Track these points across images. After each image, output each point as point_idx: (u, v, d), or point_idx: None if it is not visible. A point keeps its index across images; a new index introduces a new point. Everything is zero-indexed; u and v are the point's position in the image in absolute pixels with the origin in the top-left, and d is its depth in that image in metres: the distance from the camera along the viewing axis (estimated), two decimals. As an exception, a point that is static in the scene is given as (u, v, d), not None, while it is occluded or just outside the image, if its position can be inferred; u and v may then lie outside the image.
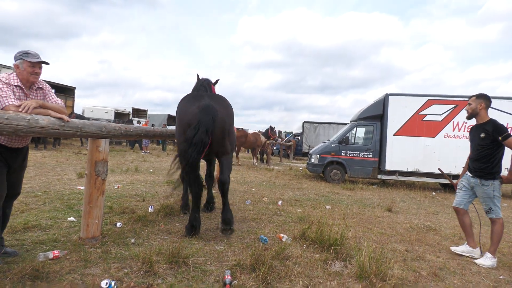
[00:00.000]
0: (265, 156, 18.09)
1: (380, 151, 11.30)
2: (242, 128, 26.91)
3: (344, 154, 11.57)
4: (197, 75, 5.54)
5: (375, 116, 11.53)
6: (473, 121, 4.35)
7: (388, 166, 11.09)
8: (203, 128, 3.80)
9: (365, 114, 11.77)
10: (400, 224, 5.74)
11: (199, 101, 4.05)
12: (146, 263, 3.11)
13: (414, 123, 11.05)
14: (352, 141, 11.71)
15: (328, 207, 6.78)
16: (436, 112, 10.92)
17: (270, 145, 16.83)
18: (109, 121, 20.75)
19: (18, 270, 2.79)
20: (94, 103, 37.02)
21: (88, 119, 18.63)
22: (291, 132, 31.91)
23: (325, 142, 12.63)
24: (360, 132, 11.97)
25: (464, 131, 10.76)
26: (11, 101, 2.78)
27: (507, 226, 6.05)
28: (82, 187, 6.95)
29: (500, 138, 3.87)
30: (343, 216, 5.92)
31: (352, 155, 11.53)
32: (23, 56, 2.95)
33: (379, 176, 11.39)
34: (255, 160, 16.17)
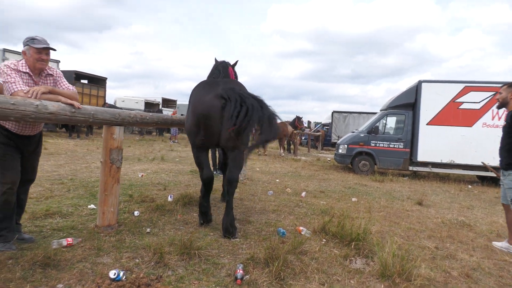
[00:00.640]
0: (292, 146, 17.81)
1: (412, 142, 10.75)
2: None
3: (373, 145, 11.12)
4: (215, 59, 5.36)
5: (407, 104, 10.96)
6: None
7: (421, 157, 10.54)
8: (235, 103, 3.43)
9: (396, 102, 11.23)
10: (431, 219, 5.38)
11: (215, 88, 3.70)
12: (157, 254, 3.03)
13: (449, 112, 10.40)
14: (382, 131, 11.22)
15: (354, 199, 6.49)
16: (473, 100, 10.22)
17: (297, 135, 16.53)
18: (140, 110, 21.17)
19: (30, 257, 2.78)
20: (127, 94, 37.94)
21: (120, 109, 19.08)
22: (320, 122, 31.29)
23: (353, 132, 12.20)
24: (391, 121, 11.45)
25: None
26: (20, 87, 2.75)
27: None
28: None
29: None
30: (369, 209, 5.63)
31: (382, 145, 11.06)
32: (29, 42, 2.90)
33: (410, 168, 10.87)
34: (281, 150, 15.95)
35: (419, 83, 10.66)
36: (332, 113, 24.01)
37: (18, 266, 2.73)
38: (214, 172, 8.47)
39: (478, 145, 10.06)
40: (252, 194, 6.25)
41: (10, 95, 2.74)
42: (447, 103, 10.43)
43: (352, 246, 3.49)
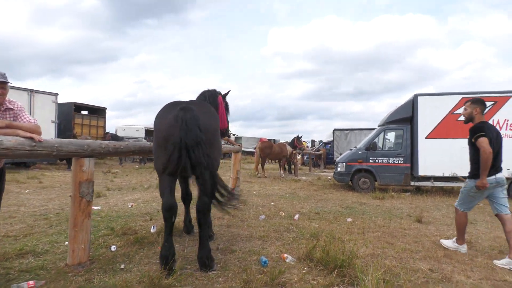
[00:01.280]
0: (292, 166, 17.58)
1: (412, 156, 10.49)
2: (268, 139, 26.55)
3: (372, 161, 10.87)
4: (207, 88, 5.26)
5: (404, 119, 10.78)
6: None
7: (422, 172, 10.25)
8: (184, 142, 3.19)
9: (393, 117, 11.06)
10: (429, 237, 5.09)
11: (176, 108, 3.40)
12: (123, 294, 2.82)
13: (448, 124, 10.18)
14: (381, 146, 11.00)
15: (349, 219, 6.22)
16: (472, 111, 9.99)
17: (297, 155, 16.33)
18: (139, 139, 21.19)
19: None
20: (132, 122, 38.32)
21: (121, 138, 19.13)
22: (322, 141, 31.07)
23: (351, 149, 11.99)
24: (389, 136, 11.24)
25: (506, 129, 9.78)
26: None
27: None
28: (95, 207, 6.88)
29: (473, 140, 4.10)
30: (363, 230, 5.36)
31: (381, 161, 10.81)
32: None
33: (412, 183, 10.56)
34: (281, 171, 15.72)
35: (415, 97, 10.51)
36: (333, 130, 23.86)
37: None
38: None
39: (480, 156, 9.76)
40: (242, 219, 6.01)
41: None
42: (445, 116, 10.23)
43: (335, 274, 3.23)
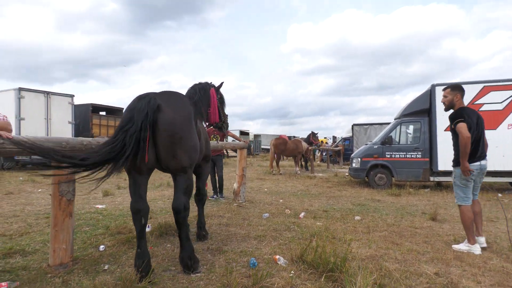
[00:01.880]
0: (309, 163, 17.19)
1: (431, 150, 9.94)
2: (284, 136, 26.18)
3: (388, 156, 10.39)
4: (200, 82, 5.09)
5: (422, 111, 10.22)
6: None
7: (441, 166, 9.68)
8: (138, 121, 2.85)
9: (410, 109, 10.52)
10: (441, 237, 4.70)
11: (141, 101, 3.06)
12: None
13: (469, 115, 9.55)
14: (397, 140, 10.49)
15: (357, 218, 5.88)
16: (495, 100, 9.36)
17: (312, 152, 15.94)
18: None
19: None
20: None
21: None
22: (341, 137, 30.40)
23: (367, 144, 11.53)
24: (406, 130, 10.70)
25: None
26: None
27: None
28: (101, 206, 6.85)
29: (452, 126, 4.10)
30: (369, 229, 5.02)
31: (398, 156, 10.30)
32: None
33: (431, 178, 10.00)
34: (297, 168, 15.38)
35: (433, 87, 9.94)
36: (352, 126, 23.21)
37: None
38: (214, 196, 8.11)
39: (506, 149, 9.13)
40: (244, 218, 5.79)
41: None
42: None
43: (322, 278, 2.95)
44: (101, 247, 4.06)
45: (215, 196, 8.16)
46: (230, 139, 18.68)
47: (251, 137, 41.91)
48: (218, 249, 4.03)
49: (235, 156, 32.40)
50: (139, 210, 3.10)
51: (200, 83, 5.01)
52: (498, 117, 9.32)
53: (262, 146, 42.82)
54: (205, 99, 4.93)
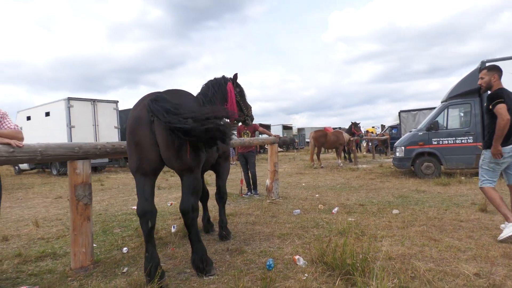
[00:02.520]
0: (352, 155, 16.53)
1: (484, 133, 9.03)
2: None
3: (435, 143, 9.62)
4: (214, 78, 5.01)
5: (471, 91, 9.32)
6: None
7: (497, 151, 8.76)
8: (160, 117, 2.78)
9: (458, 90, 9.65)
10: (489, 230, 4.19)
11: (144, 100, 3.07)
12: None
13: (528, 92, 8.54)
14: (445, 125, 9.67)
15: (395, 211, 5.45)
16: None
17: (354, 143, 15.29)
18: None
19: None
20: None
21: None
22: (386, 126, 28.96)
23: (410, 132, 10.78)
24: (454, 113, 9.84)
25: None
26: None
27: None
28: (135, 207, 7.02)
29: (490, 107, 3.91)
30: (406, 224, 4.61)
31: (447, 142, 9.50)
32: None
33: (486, 165, 9.09)
34: (339, 161, 14.85)
35: (482, 64, 9.01)
36: (399, 113, 21.99)
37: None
38: (249, 193, 8.01)
39: None
40: (273, 215, 5.61)
41: None
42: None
43: (337, 281, 2.69)
44: (124, 249, 4.10)
45: (249, 193, 8.05)
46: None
47: (294, 131, 41.47)
48: (237, 249, 3.89)
49: (280, 151, 32.13)
50: (145, 213, 3.05)
51: (214, 79, 4.90)
52: None
53: (307, 140, 42.20)
54: (221, 94, 4.80)
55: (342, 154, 18.03)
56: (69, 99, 14.73)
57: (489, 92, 4.12)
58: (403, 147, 10.13)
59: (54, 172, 15.33)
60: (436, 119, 9.67)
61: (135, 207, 6.89)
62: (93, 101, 15.43)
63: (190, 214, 3.13)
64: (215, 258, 3.67)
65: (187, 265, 3.51)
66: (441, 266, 3.13)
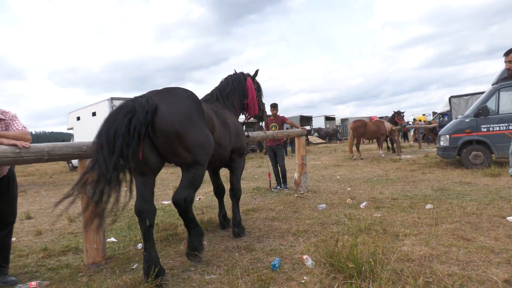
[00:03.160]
0: (395, 145, 15.67)
1: (542, 118, 8.07)
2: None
3: (485, 130, 8.76)
4: (234, 70, 4.92)
5: (526, 71, 8.32)
6: None
7: (558, 137, 7.78)
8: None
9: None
10: (535, 229, 3.67)
11: (134, 101, 2.88)
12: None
13: None
14: (495, 110, 8.77)
15: (428, 206, 5.00)
16: None
17: (396, 132, 14.44)
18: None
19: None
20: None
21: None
22: (436, 113, 27.10)
23: (456, 118, 9.93)
24: (506, 96, 8.87)
25: None
26: None
27: None
28: (167, 202, 7.15)
29: None
30: (436, 221, 4.19)
31: (498, 129, 8.61)
32: None
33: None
34: (381, 151, 14.14)
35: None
36: (450, 98, 20.44)
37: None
38: (278, 187, 7.84)
39: None
40: (296, 210, 5.40)
41: None
42: None
43: (336, 285, 2.45)
44: (139, 245, 4.15)
45: (278, 187, 7.88)
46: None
47: (337, 121, 40.38)
48: (247, 247, 3.76)
49: (322, 143, 31.43)
50: (142, 212, 3.02)
51: (234, 74, 4.81)
52: None
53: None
54: (240, 90, 4.70)
55: (385, 145, 17.19)
56: (112, 99, 15.41)
57: None
58: (447, 136, 9.36)
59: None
60: (486, 104, 8.80)
61: (166, 202, 7.06)
62: (133, 100, 16.01)
63: (182, 206, 3.12)
64: (223, 255, 3.58)
65: (194, 264, 3.45)
66: (466, 270, 2.77)
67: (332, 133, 34.01)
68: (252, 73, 4.92)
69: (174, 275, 3.18)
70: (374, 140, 18.48)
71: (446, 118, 22.35)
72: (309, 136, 31.33)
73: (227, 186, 4.74)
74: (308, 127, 34.80)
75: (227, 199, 5.02)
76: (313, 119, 36.49)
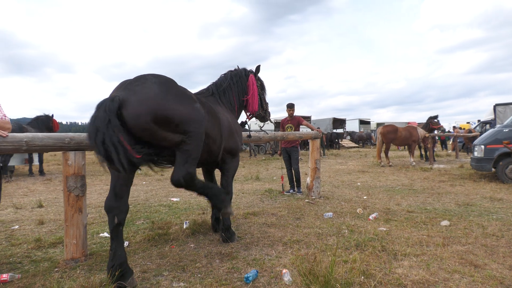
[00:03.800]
0: (428, 153, 14.74)
1: None
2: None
3: (526, 142, 7.94)
4: (237, 66, 4.73)
5: None
6: None
7: None
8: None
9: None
10: (562, 260, 3.14)
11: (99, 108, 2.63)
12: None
13: None
14: (539, 120, 7.93)
15: (444, 222, 4.51)
16: None
17: (430, 139, 13.55)
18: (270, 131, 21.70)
19: None
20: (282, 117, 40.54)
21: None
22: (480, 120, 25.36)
23: (494, 128, 9.10)
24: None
25: None
26: None
27: None
28: (175, 199, 7.07)
29: None
30: (448, 240, 3.73)
31: (541, 141, 7.77)
32: None
33: None
34: (412, 159, 13.34)
35: None
36: (494, 106, 19.05)
37: None
38: (290, 191, 7.54)
39: None
40: (299, 217, 5.09)
41: None
42: None
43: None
44: (126, 243, 4.03)
45: (291, 190, 7.57)
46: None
47: (372, 126, 38.99)
48: (230, 254, 3.52)
49: (354, 147, 30.51)
50: (111, 209, 2.86)
51: (235, 70, 4.61)
52: None
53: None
54: (240, 87, 4.50)
55: (418, 152, 16.29)
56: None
57: None
58: (482, 146, 8.60)
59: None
60: (527, 113, 7.97)
61: (174, 199, 6.97)
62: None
63: (183, 185, 2.95)
64: (203, 261, 3.37)
65: (170, 267, 3.26)
66: (464, 304, 2.37)
67: (366, 137, 32.87)
68: (258, 71, 4.70)
69: (145, 278, 3.02)
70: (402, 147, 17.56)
71: (487, 126, 20.88)
72: (341, 140, 30.48)
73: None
74: (341, 130, 33.88)
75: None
76: (346, 122, 35.50)
